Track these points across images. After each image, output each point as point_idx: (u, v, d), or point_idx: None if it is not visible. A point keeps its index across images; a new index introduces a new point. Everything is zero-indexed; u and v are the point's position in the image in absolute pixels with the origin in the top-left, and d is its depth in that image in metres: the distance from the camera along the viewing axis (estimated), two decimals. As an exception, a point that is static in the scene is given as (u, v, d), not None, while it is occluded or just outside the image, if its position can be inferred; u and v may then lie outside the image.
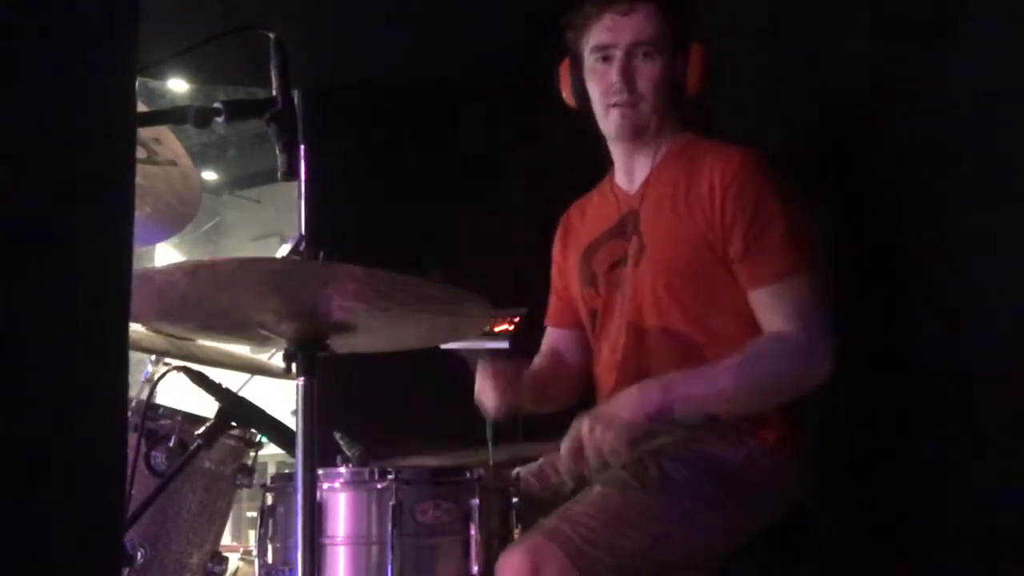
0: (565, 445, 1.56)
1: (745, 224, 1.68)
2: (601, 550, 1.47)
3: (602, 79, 1.80)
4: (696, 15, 1.83)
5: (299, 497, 1.36)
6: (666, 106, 1.80)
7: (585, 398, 1.95)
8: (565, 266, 2.02)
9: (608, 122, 1.83)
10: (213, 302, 1.39)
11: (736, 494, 1.62)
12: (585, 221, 1.98)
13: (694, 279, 1.74)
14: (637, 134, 1.83)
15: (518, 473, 1.66)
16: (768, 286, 1.66)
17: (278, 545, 1.57)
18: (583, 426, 1.55)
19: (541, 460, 1.91)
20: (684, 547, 1.57)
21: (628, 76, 1.77)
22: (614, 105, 1.80)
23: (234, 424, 1.78)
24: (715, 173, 1.73)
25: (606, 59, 1.80)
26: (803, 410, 1.73)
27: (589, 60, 1.83)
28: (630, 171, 1.89)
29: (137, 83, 0.82)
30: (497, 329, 2.19)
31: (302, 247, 1.47)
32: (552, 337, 2.05)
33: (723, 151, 1.77)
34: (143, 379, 2.18)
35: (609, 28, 1.78)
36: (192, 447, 1.77)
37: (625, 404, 1.59)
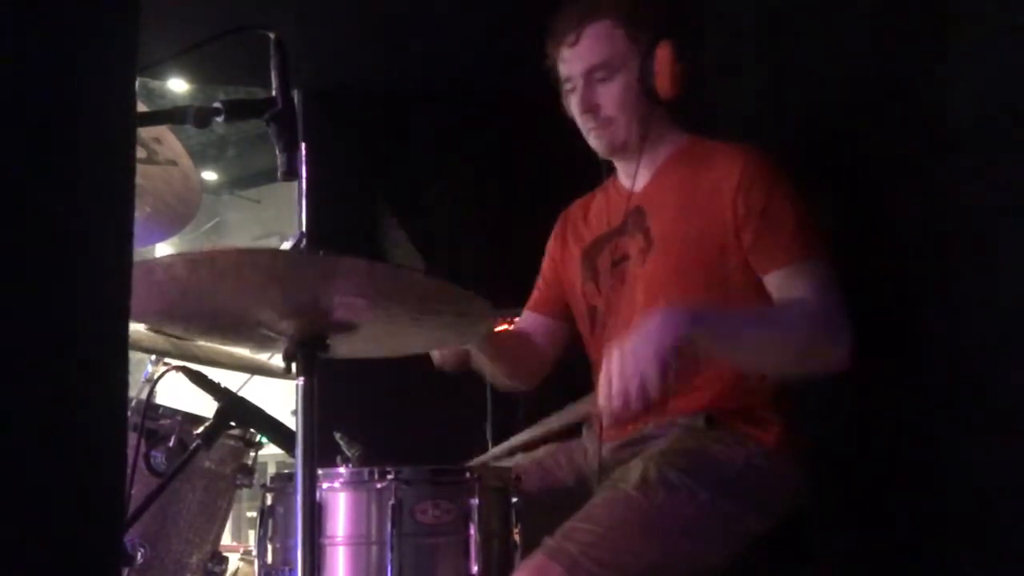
0: (602, 383, 1.47)
1: (757, 217, 1.69)
2: (608, 568, 1.46)
3: (574, 109, 1.84)
4: (661, 13, 1.79)
5: (299, 497, 1.36)
6: (642, 116, 1.80)
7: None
8: (561, 260, 2.02)
9: (592, 144, 1.86)
10: (214, 297, 1.39)
11: (739, 498, 1.61)
12: (588, 218, 1.99)
13: (703, 277, 1.74)
14: (620, 150, 1.85)
15: (518, 475, 1.66)
16: (783, 268, 1.68)
17: (278, 545, 1.57)
18: (613, 361, 1.46)
19: (542, 450, 1.90)
20: (691, 556, 1.56)
21: (590, 104, 1.79)
22: (590, 130, 1.83)
23: (234, 424, 1.78)
24: (723, 172, 1.74)
25: (572, 90, 1.83)
26: (802, 411, 1.73)
27: (564, 92, 1.87)
28: (633, 174, 1.89)
29: (137, 83, 0.82)
30: (496, 329, 2.19)
31: (303, 245, 1.47)
32: (526, 320, 2.07)
33: (728, 150, 1.78)
34: (143, 379, 2.18)
35: (565, 61, 1.82)
36: (192, 447, 1.77)
37: (652, 330, 1.48)
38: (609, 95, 1.79)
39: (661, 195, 1.84)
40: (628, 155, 1.86)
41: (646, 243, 1.82)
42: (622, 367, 1.44)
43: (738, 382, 1.71)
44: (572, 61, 1.80)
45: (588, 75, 1.79)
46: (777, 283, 1.68)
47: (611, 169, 1.96)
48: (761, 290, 1.71)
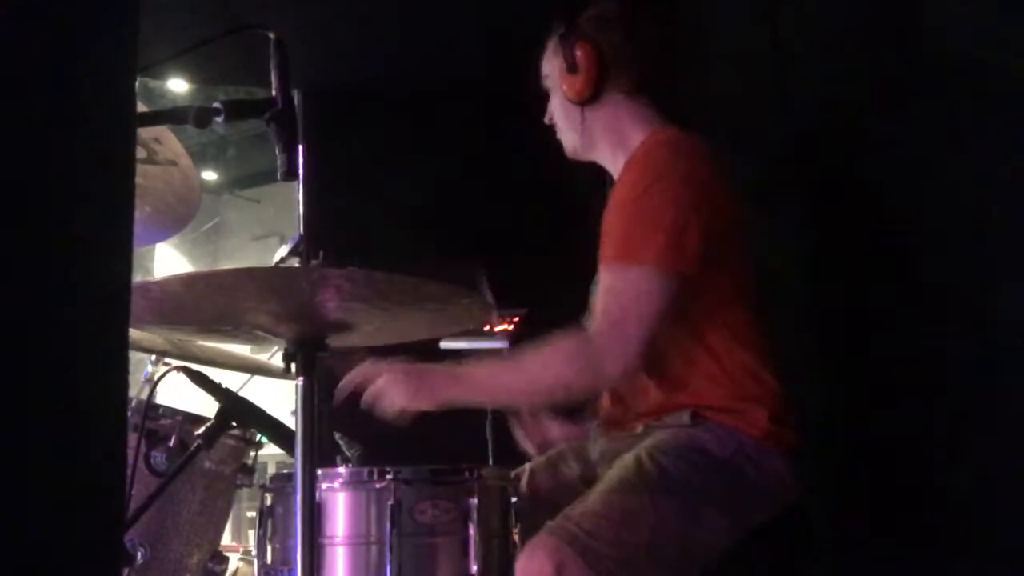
0: (356, 372, 1.63)
1: (610, 207, 1.71)
2: (605, 544, 1.49)
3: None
4: (574, 28, 1.84)
5: (298, 497, 1.36)
6: (575, 120, 1.87)
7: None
8: None
9: None
10: (211, 307, 1.40)
11: (729, 487, 1.63)
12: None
13: None
14: (573, 153, 1.94)
15: (517, 473, 1.66)
16: (601, 271, 1.68)
17: (277, 545, 1.57)
18: (381, 373, 1.61)
19: (551, 452, 1.91)
20: (685, 540, 1.58)
21: (549, 113, 1.94)
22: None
23: (234, 424, 1.78)
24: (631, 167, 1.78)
25: None
26: (795, 409, 1.73)
27: None
28: (612, 175, 1.93)
29: (137, 83, 0.82)
30: (497, 329, 2.19)
31: (301, 248, 1.48)
32: None
33: (648, 141, 1.80)
34: (143, 379, 2.18)
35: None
36: (192, 447, 1.77)
37: (416, 385, 1.63)
38: (553, 105, 1.93)
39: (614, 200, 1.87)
40: (582, 158, 1.95)
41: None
42: (376, 384, 1.60)
43: (721, 379, 1.72)
44: None
45: (544, 88, 1.94)
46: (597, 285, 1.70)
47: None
48: (701, 296, 1.69)
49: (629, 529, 1.52)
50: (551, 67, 1.90)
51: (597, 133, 1.87)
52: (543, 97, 1.96)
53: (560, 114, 1.91)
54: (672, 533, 1.57)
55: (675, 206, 1.63)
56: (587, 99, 1.83)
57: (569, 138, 1.91)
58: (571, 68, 1.81)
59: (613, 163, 1.90)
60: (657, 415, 1.74)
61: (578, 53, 1.81)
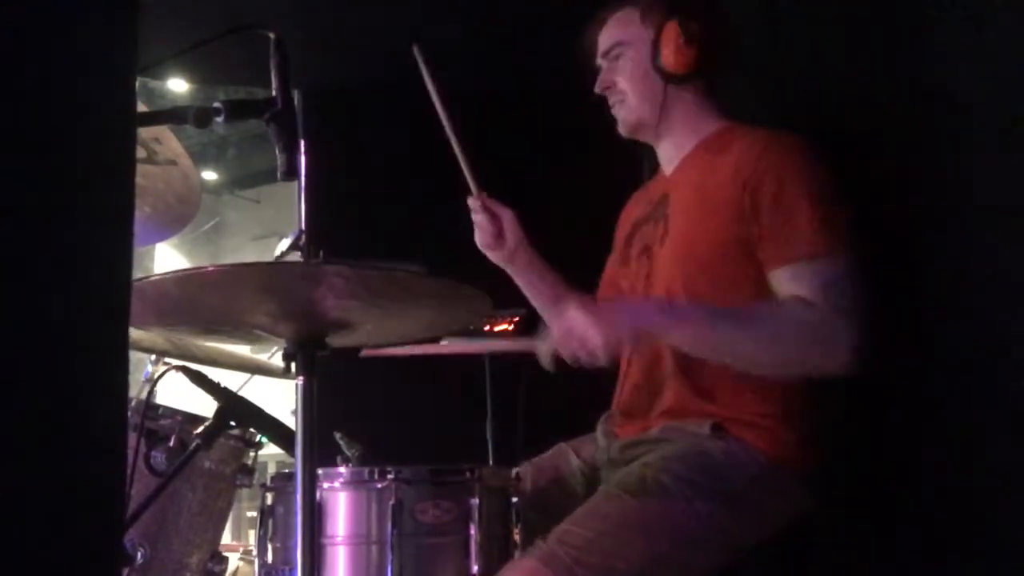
0: (559, 327, 1.56)
1: (768, 205, 1.64)
2: (596, 572, 1.46)
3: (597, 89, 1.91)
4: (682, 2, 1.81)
5: (299, 497, 1.36)
6: (655, 93, 1.82)
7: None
8: (615, 247, 2.04)
9: (619, 126, 1.90)
10: (208, 307, 1.40)
11: (740, 511, 1.58)
12: (636, 203, 2.01)
13: (711, 267, 1.71)
14: (637, 127, 1.88)
15: (518, 472, 1.66)
16: (787, 266, 1.62)
17: (278, 545, 1.57)
18: (578, 316, 1.53)
19: (561, 445, 1.89)
20: (679, 563, 1.54)
21: (607, 81, 1.88)
22: (612, 108, 1.88)
23: (234, 424, 1.78)
24: (739, 160, 1.71)
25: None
26: (821, 426, 1.71)
27: None
28: (669, 158, 1.90)
29: (137, 83, 0.82)
30: (497, 329, 2.19)
31: (302, 242, 1.48)
32: None
33: (752, 135, 1.76)
34: (143, 379, 2.18)
35: (595, 42, 1.90)
36: (192, 447, 1.77)
37: (626, 311, 1.56)
38: (622, 70, 1.86)
39: (683, 182, 1.83)
40: (647, 134, 1.89)
41: (664, 231, 1.82)
42: (584, 327, 1.52)
43: (751, 390, 1.66)
44: (598, 43, 1.90)
45: (606, 56, 1.88)
46: (780, 281, 1.63)
47: (652, 167, 1.97)
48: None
49: (619, 555, 1.49)
50: (629, 34, 1.84)
51: (676, 112, 1.84)
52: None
53: (637, 84, 1.83)
54: (670, 561, 1.52)
55: (830, 195, 1.66)
56: (684, 75, 1.79)
57: (641, 108, 1.84)
58: (689, 39, 1.76)
59: (678, 146, 1.87)
60: (679, 417, 1.69)
61: (694, 27, 1.77)
